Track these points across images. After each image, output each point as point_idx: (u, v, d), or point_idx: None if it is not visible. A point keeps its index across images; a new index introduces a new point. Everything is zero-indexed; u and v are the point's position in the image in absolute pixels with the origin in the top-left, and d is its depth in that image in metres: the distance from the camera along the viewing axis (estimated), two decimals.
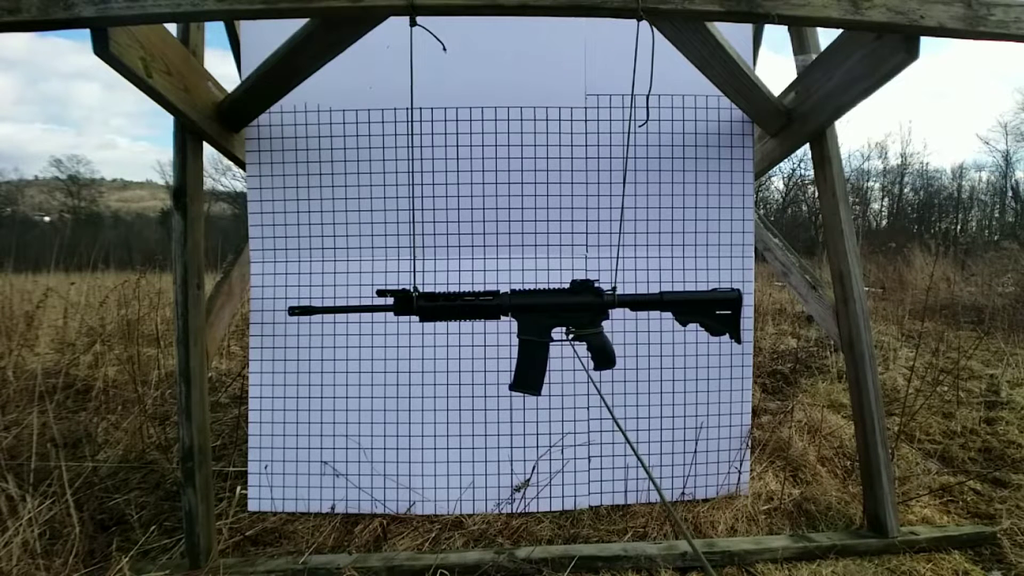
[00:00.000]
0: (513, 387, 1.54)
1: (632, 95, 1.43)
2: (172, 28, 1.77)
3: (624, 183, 2.21)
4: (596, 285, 1.52)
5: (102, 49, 1.42)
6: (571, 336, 1.52)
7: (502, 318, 1.56)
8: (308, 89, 1.93)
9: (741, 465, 2.28)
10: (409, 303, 1.50)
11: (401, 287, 1.52)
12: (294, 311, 1.55)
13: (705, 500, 2.24)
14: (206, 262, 2.01)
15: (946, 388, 3.54)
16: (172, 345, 2.59)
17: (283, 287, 2.20)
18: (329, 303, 2.19)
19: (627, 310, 1.62)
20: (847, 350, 2.06)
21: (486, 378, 2.21)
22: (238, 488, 2.21)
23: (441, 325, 2.19)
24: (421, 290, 1.52)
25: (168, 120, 1.82)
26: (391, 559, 1.87)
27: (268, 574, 1.81)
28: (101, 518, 2.14)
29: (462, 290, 1.57)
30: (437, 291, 1.54)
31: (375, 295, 1.52)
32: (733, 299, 1.54)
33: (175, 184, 1.87)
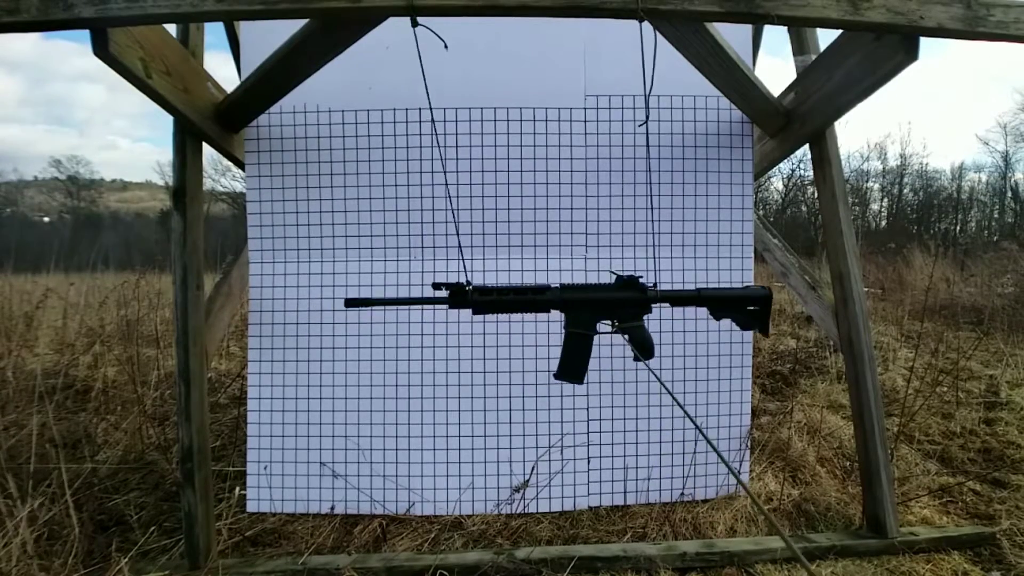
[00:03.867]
0: (558, 375, 1.63)
1: (646, 95, 1.45)
2: (172, 29, 1.77)
3: (623, 183, 2.21)
4: (640, 281, 1.61)
5: (102, 49, 1.42)
6: (615, 329, 1.62)
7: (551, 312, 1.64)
8: (308, 89, 1.93)
9: (741, 466, 2.28)
10: (464, 296, 1.56)
11: (455, 281, 1.57)
12: (350, 303, 1.60)
13: (705, 500, 2.23)
14: (206, 262, 2.00)
15: (945, 389, 3.54)
16: (172, 346, 2.60)
17: (282, 287, 2.20)
18: (328, 304, 2.19)
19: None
20: (846, 350, 2.06)
21: (485, 379, 2.21)
22: (237, 488, 2.21)
23: (440, 326, 2.19)
24: (471, 285, 1.59)
25: (169, 121, 1.82)
26: (390, 560, 1.87)
27: (267, 574, 1.81)
28: (100, 518, 2.13)
29: (513, 285, 1.64)
30: (489, 285, 1.61)
31: (431, 288, 1.56)
32: (763, 296, 1.66)
33: (175, 185, 1.87)
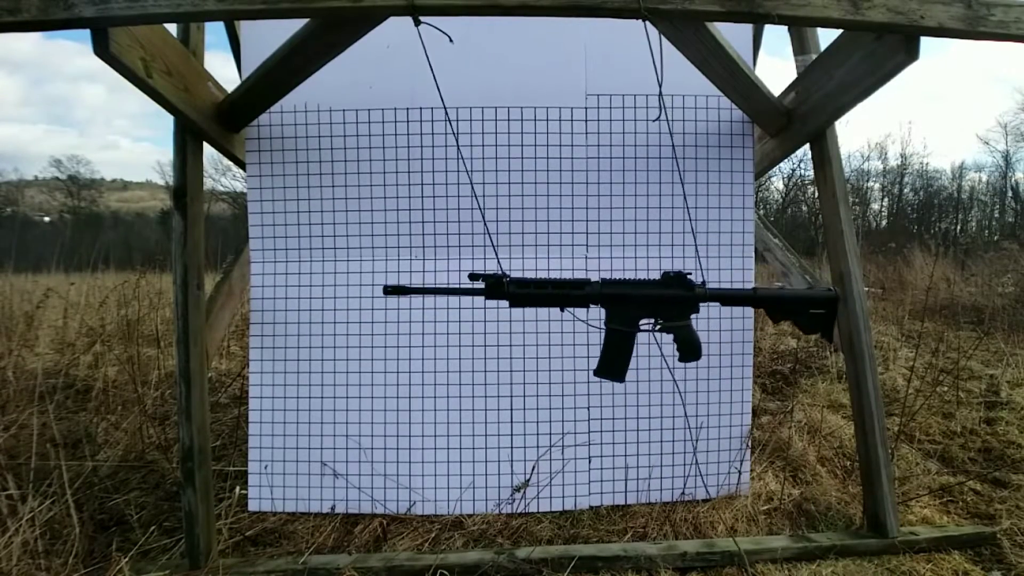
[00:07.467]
0: (597, 373, 1.57)
1: (660, 95, 1.45)
2: (172, 28, 1.77)
3: (624, 183, 2.21)
4: (688, 278, 1.52)
5: (102, 49, 1.42)
6: (659, 327, 1.53)
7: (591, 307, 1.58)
8: (308, 89, 1.93)
9: (741, 465, 2.28)
10: (500, 288, 1.52)
11: (494, 272, 1.53)
12: (388, 290, 1.57)
13: (705, 500, 2.23)
14: (206, 262, 2.01)
15: (946, 388, 3.53)
16: (172, 345, 2.59)
17: (283, 287, 2.20)
18: (329, 303, 2.20)
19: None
20: (847, 350, 2.06)
21: (486, 378, 2.21)
22: (238, 488, 2.21)
23: (441, 326, 2.19)
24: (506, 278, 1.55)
25: (169, 121, 1.82)
26: (391, 559, 1.87)
27: (268, 574, 1.81)
28: (101, 518, 2.13)
29: (552, 278, 1.58)
30: (528, 278, 1.56)
31: (468, 279, 1.52)
32: (830, 299, 1.54)
33: (175, 184, 1.87)
